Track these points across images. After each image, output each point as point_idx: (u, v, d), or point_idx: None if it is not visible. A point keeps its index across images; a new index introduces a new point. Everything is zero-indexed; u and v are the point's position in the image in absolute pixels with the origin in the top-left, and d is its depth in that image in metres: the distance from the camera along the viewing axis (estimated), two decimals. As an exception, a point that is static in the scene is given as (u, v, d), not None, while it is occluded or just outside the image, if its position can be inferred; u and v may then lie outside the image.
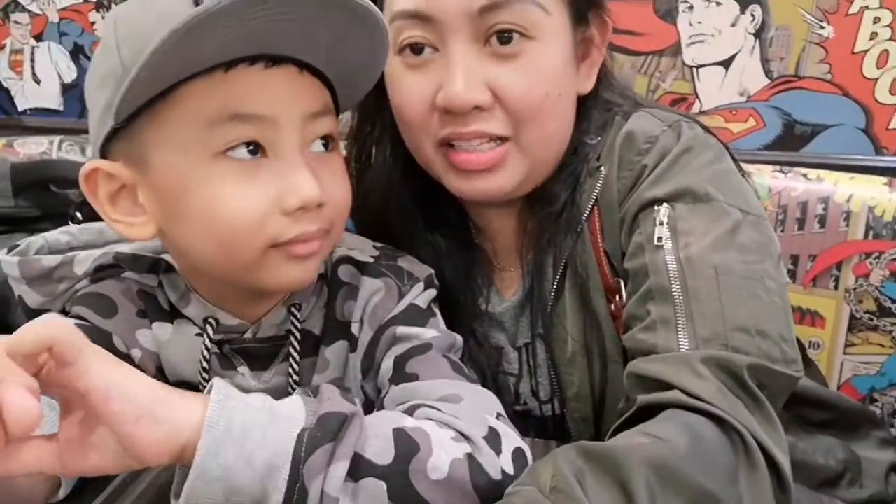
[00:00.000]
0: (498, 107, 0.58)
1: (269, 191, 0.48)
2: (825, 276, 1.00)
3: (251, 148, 0.48)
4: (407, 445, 0.44)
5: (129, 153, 0.50)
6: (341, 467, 0.41)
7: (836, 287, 1.00)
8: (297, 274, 0.52)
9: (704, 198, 0.57)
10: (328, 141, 0.53)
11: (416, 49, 0.59)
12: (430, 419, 0.48)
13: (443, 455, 0.44)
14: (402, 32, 0.58)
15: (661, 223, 0.57)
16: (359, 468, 0.42)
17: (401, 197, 0.67)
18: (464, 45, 0.57)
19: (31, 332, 0.38)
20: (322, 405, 0.43)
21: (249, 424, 0.41)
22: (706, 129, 0.64)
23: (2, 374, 0.35)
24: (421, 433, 0.45)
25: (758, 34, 1.30)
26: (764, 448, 0.45)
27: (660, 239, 0.56)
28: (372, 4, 0.46)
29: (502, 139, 0.60)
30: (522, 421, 0.53)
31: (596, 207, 0.63)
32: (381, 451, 0.43)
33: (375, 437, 0.44)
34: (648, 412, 0.49)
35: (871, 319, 0.99)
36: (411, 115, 0.61)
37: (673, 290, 0.53)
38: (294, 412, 0.43)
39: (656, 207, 0.58)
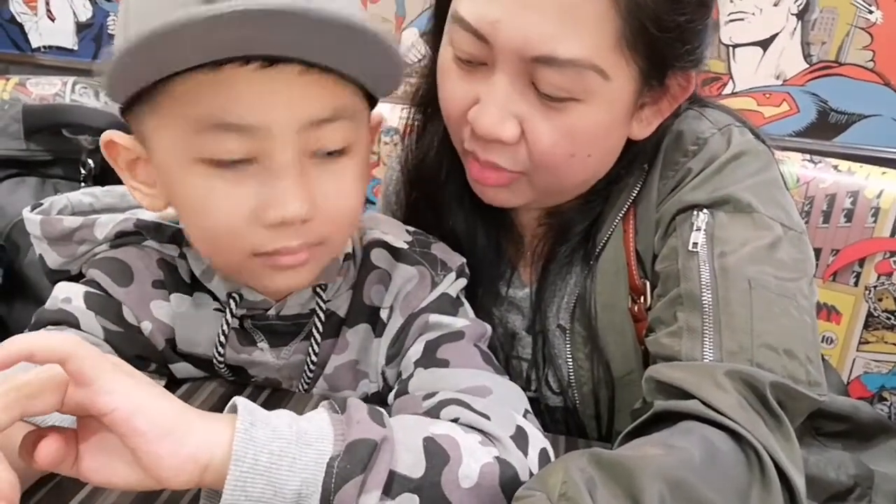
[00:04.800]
0: (522, 144, 0.55)
1: (250, 201, 0.45)
2: (846, 271, 0.98)
3: (236, 159, 0.45)
4: (437, 456, 0.43)
5: (137, 130, 0.48)
6: (373, 497, 0.40)
7: (856, 283, 0.98)
8: (285, 281, 0.50)
9: (746, 208, 0.55)
10: (340, 150, 0.47)
11: (466, 62, 0.55)
12: (457, 419, 0.47)
13: (472, 462, 0.43)
14: (457, 38, 0.54)
15: (699, 229, 0.55)
16: (393, 485, 0.41)
17: (451, 161, 0.65)
18: (510, 77, 0.53)
19: (45, 343, 0.36)
20: (351, 430, 0.41)
21: (277, 453, 0.39)
22: (757, 134, 0.61)
23: None
24: (449, 440, 0.44)
25: (801, 15, 1.24)
26: (780, 467, 0.44)
27: (695, 245, 0.54)
28: (372, 26, 0.41)
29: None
30: (531, 407, 0.52)
31: (632, 206, 0.61)
32: (412, 465, 0.42)
33: (406, 451, 0.42)
34: (665, 418, 0.48)
35: (889, 318, 0.98)
36: (448, 114, 0.59)
37: (703, 298, 0.52)
38: (322, 435, 0.41)
39: (695, 212, 0.56)
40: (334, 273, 0.57)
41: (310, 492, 0.40)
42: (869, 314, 0.99)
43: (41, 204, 0.57)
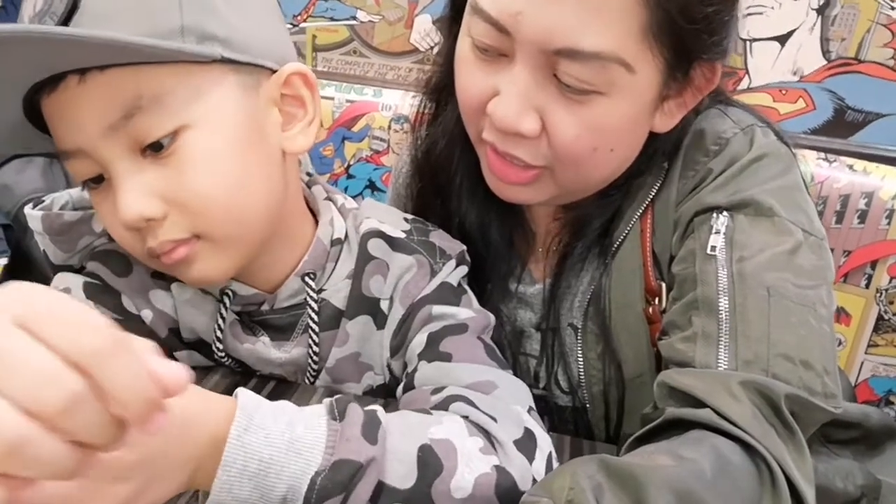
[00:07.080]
0: (543, 138, 0.54)
1: (113, 214, 0.47)
2: (858, 273, 0.97)
3: (92, 177, 0.47)
4: (430, 466, 0.42)
5: None
6: None
7: (867, 285, 0.97)
8: (192, 276, 0.49)
9: (767, 212, 0.54)
10: (169, 138, 0.44)
11: (484, 50, 0.54)
12: (465, 418, 0.46)
13: (467, 473, 0.43)
14: (476, 29, 0.53)
15: (718, 232, 0.54)
16: (381, 496, 0.41)
17: (463, 153, 0.64)
18: (531, 69, 0.51)
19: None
20: (340, 446, 0.41)
21: (267, 460, 0.40)
22: (779, 136, 0.60)
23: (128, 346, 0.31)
24: (447, 447, 0.43)
25: (821, 10, 1.22)
26: (791, 480, 0.44)
27: (713, 248, 0.53)
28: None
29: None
30: (539, 405, 0.52)
31: (650, 205, 0.59)
32: (403, 476, 0.42)
33: (398, 461, 0.42)
34: (676, 425, 0.47)
35: (899, 322, 0.97)
36: (464, 105, 0.58)
37: (720, 304, 0.51)
38: (315, 444, 0.41)
39: (715, 215, 0.55)
40: (321, 260, 0.56)
41: (295, 499, 0.40)
42: (879, 317, 0.98)
43: (43, 201, 0.57)
